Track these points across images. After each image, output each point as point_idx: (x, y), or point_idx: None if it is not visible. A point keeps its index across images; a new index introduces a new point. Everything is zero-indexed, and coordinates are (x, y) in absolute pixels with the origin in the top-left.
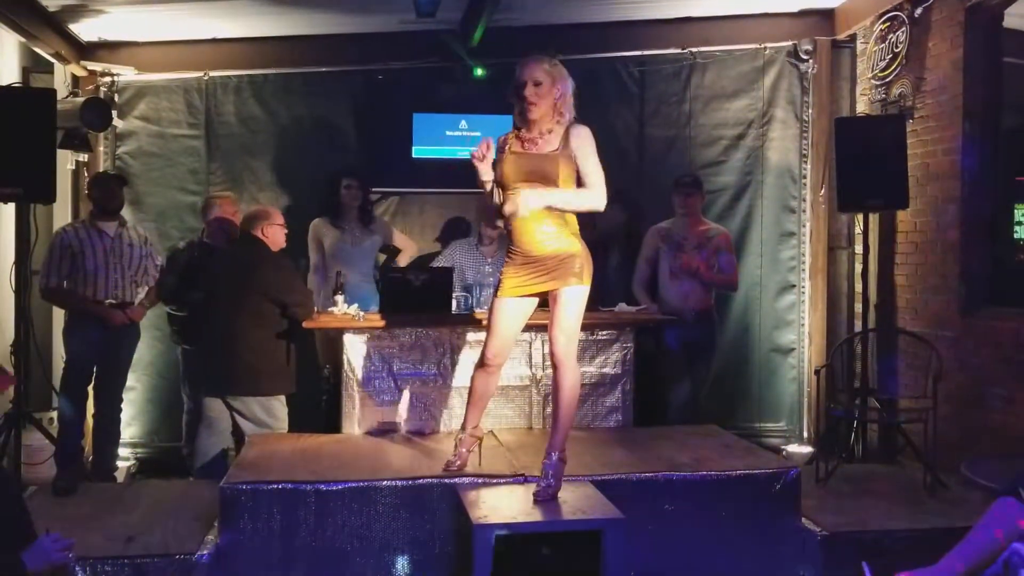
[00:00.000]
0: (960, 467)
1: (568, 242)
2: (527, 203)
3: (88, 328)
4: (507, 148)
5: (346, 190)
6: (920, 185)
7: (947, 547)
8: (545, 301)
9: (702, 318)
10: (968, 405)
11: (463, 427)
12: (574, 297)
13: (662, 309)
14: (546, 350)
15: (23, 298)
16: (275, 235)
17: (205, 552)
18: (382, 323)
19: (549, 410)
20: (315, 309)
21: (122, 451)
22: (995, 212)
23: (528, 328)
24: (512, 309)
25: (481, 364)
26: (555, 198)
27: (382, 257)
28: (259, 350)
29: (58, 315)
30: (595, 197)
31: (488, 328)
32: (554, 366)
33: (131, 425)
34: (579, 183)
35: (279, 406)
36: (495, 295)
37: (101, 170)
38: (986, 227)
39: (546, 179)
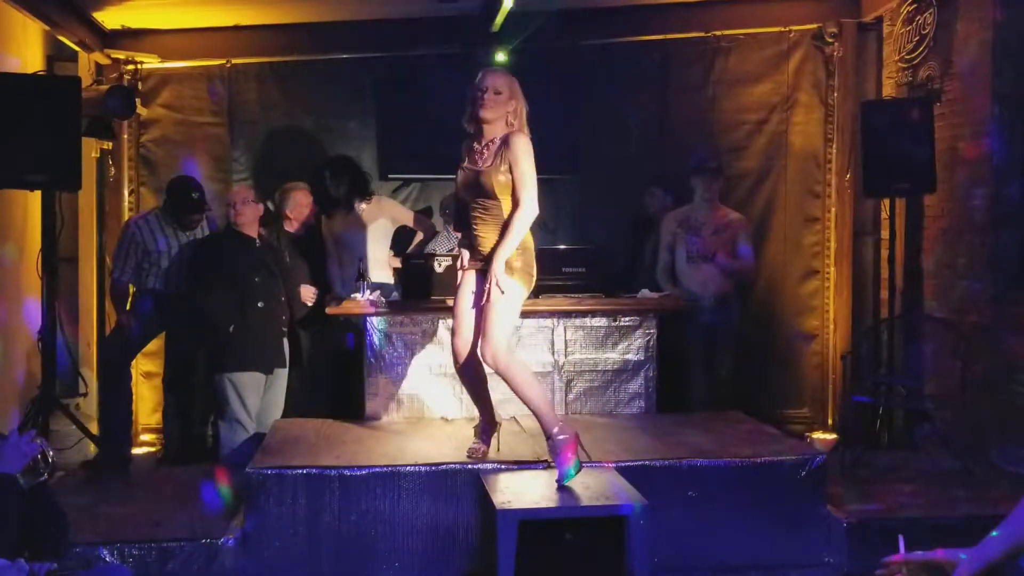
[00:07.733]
0: (990, 454)
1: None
2: (502, 276)
3: (145, 306)
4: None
5: (332, 179)
6: (948, 169)
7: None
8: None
9: (722, 303)
10: (996, 392)
11: (481, 417)
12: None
13: (681, 295)
14: (568, 336)
15: (49, 284)
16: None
17: (231, 536)
18: (404, 310)
19: (572, 395)
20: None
21: (147, 436)
22: None
23: (550, 314)
24: (469, 286)
25: (456, 365)
26: (505, 250)
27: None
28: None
29: (84, 300)
30: (526, 212)
31: (454, 316)
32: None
33: (156, 411)
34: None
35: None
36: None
37: (179, 175)
38: (1015, 212)
39: (484, 193)
